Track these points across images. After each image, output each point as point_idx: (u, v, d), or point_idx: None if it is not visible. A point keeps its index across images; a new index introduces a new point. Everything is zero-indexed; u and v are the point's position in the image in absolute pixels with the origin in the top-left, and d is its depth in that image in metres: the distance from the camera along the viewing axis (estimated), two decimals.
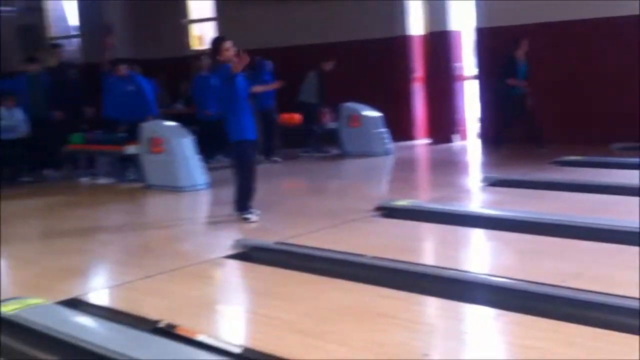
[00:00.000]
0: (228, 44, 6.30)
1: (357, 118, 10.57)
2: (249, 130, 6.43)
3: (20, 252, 6.06)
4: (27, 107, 9.86)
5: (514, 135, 9.90)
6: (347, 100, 10.69)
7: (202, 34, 14.06)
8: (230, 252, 5.25)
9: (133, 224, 7.05)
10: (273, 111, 10.60)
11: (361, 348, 3.38)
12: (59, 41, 10.88)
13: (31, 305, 4.02)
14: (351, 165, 10.21)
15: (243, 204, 6.42)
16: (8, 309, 3.93)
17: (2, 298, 4.18)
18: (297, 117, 11.13)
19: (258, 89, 8.12)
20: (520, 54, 9.81)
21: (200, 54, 11.52)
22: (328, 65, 10.65)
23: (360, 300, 4.04)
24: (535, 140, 9.64)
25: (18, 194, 8.83)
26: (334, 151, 10.86)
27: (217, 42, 6.42)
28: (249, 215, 6.35)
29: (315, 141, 10.98)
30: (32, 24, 16.26)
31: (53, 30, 16.45)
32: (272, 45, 11.72)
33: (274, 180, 9.77)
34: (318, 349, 3.39)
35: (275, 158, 10.40)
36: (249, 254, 5.18)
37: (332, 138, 10.90)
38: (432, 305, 4.03)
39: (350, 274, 4.47)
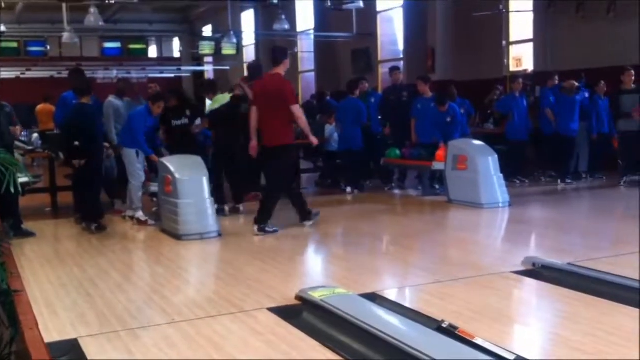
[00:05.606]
0: None
1: None
2: None
3: (334, 249, 6.91)
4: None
5: None
6: None
7: (520, 56, 14.12)
8: (519, 269, 5.40)
9: (432, 234, 7.52)
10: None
11: None
12: (394, 64, 11.70)
13: (336, 294, 4.61)
14: None
15: None
16: (317, 295, 4.57)
17: (314, 286, 4.86)
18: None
19: None
20: None
21: (517, 75, 11.65)
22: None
23: None
24: None
25: (340, 201, 9.86)
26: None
27: None
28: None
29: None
30: (365, 48, 17.73)
31: (382, 54, 17.76)
32: (592, 66, 11.40)
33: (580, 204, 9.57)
34: None
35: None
36: (538, 272, 5.28)
37: None
38: None
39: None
